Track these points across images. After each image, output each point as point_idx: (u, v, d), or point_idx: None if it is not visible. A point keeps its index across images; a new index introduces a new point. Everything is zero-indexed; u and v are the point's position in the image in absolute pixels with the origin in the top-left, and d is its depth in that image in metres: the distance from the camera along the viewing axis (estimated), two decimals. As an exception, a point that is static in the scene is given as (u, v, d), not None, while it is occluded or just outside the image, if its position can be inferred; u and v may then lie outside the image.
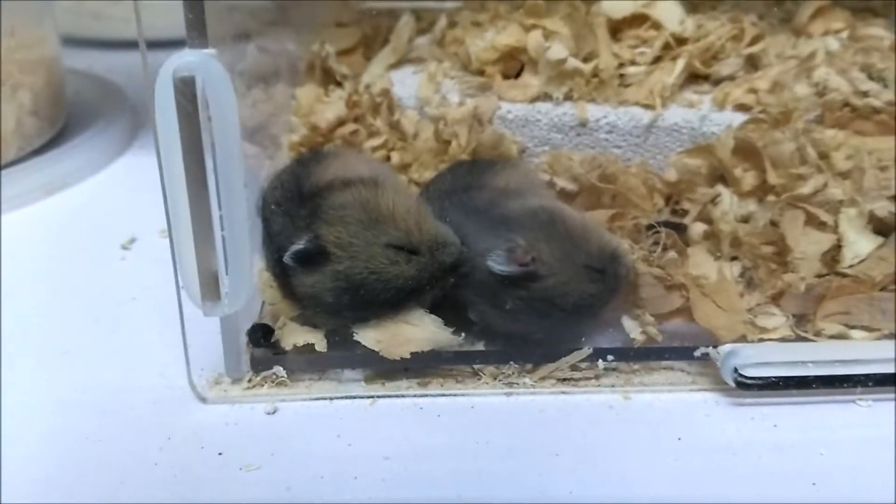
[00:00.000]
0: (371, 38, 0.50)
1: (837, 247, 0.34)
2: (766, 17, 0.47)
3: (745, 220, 0.37)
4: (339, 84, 0.46)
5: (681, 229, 0.37)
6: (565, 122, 0.41)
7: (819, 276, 0.33)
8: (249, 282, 0.28)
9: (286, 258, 0.30)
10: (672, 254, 0.34)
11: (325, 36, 0.49)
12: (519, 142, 0.41)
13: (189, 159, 0.25)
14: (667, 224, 0.37)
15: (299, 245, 0.30)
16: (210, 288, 0.27)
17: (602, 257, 0.31)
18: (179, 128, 0.25)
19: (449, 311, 0.32)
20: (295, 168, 0.34)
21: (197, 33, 0.25)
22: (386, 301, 0.30)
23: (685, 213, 0.38)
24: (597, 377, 0.32)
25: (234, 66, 0.45)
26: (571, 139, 0.41)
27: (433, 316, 0.31)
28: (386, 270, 0.29)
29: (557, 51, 0.40)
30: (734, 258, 0.35)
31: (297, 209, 0.32)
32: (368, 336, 0.30)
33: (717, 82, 0.41)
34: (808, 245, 0.34)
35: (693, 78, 0.42)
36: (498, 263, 0.30)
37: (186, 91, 0.24)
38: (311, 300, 0.30)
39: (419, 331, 0.30)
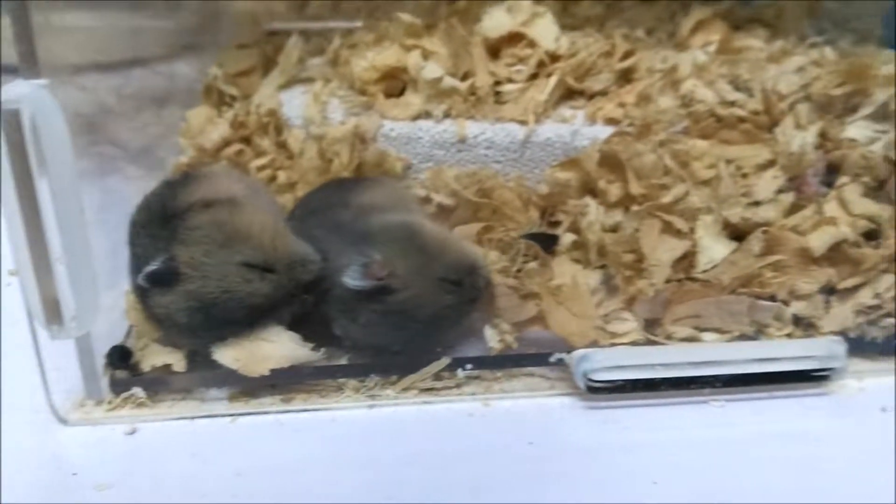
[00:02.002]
0: (271, 59, 0.51)
1: (695, 253, 0.36)
2: (655, 31, 0.49)
3: (615, 229, 0.38)
4: (232, 106, 0.46)
5: (554, 240, 0.38)
6: (446, 139, 0.42)
7: (674, 281, 0.35)
8: (95, 305, 0.28)
9: (139, 279, 0.30)
10: (533, 264, 0.35)
11: (225, 57, 0.50)
12: (403, 158, 0.42)
13: (21, 189, 0.25)
14: (540, 235, 0.38)
15: (152, 266, 0.30)
16: (53, 313, 0.27)
17: (459, 269, 0.32)
18: (11, 158, 0.25)
19: (314, 326, 0.33)
20: (162, 190, 0.35)
21: (28, 64, 0.26)
22: (241, 319, 0.31)
23: (559, 224, 0.40)
24: (458, 386, 0.33)
25: (122, 89, 0.45)
26: (453, 155, 0.42)
27: (291, 332, 0.31)
28: (239, 289, 0.30)
29: (433, 70, 0.41)
30: (602, 266, 0.37)
31: (159, 231, 0.32)
32: (227, 355, 0.31)
33: (592, 97, 0.43)
34: (663, 252, 0.35)
35: (570, 93, 0.43)
36: (353, 278, 0.31)
37: (14, 122, 0.25)
38: (167, 321, 0.31)
39: (277, 347, 0.31)
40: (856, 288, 0.34)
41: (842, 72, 0.39)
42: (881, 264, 0.34)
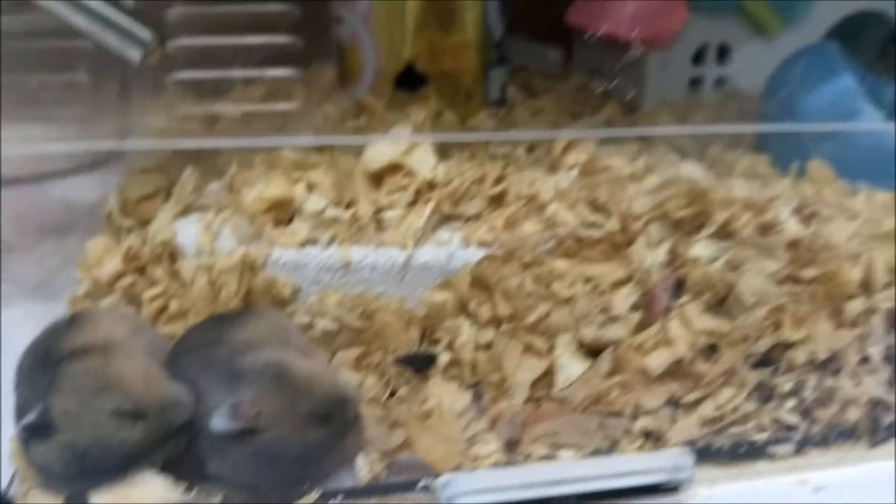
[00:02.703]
0: (175, 182, 0.53)
1: (554, 371, 0.38)
2: (536, 147, 0.54)
3: (489, 347, 0.41)
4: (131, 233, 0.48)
5: (432, 360, 0.41)
6: (332, 264, 0.44)
7: (534, 400, 0.37)
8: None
9: (16, 431, 0.31)
10: (404, 389, 0.37)
11: (128, 182, 0.52)
12: (291, 284, 0.44)
13: None
14: (419, 356, 0.41)
15: (28, 418, 0.31)
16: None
17: (327, 404, 0.34)
18: None
19: (189, 466, 0.34)
20: (45, 335, 0.36)
21: None
22: (114, 467, 0.32)
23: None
24: (330, 517, 0.34)
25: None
26: (339, 279, 0.45)
27: (161, 476, 0.33)
28: (111, 438, 0.32)
29: (315, 202, 0.44)
30: (476, 385, 0.39)
31: (41, 378, 0.34)
32: (103, 500, 0.32)
33: (468, 221, 0.46)
34: (523, 372, 0.38)
35: (449, 218, 0.46)
36: (220, 421, 0.32)
37: None
38: (45, 469, 0.32)
39: (148, 491, 0.32)
40: (698, 401, 0.37)
41: (685, 193, 0.43)
42: (719, 378, 0.37)
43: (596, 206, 0.45)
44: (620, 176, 0.49)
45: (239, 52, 0.68)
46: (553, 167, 0.51)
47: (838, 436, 0.38)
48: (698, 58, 0.78)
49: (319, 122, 0.61)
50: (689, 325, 0.38)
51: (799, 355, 0.37)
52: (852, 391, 0.38)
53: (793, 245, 0.39)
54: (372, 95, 0.65)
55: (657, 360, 0.36)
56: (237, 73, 0.69)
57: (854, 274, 0.37)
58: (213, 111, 0.66)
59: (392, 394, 0.38)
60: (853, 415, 0.38)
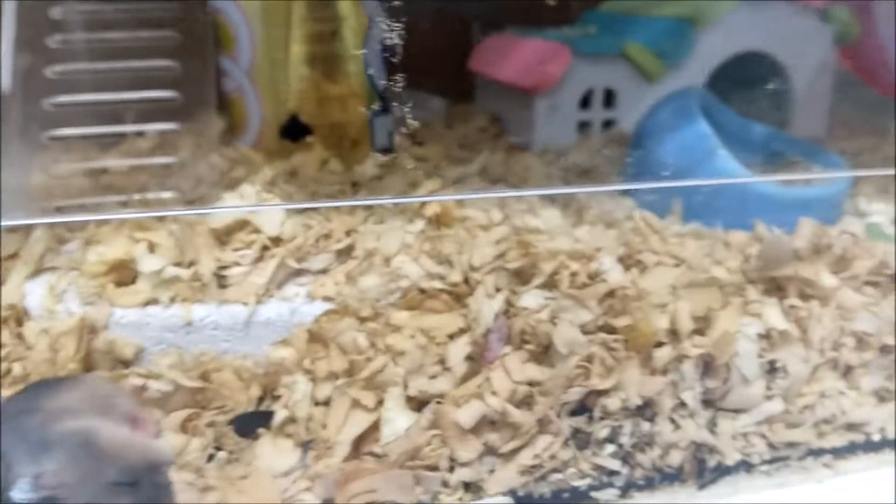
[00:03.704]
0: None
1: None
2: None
3: (327, 403, 0.41)
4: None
5: (268, 417, 0.41)
6: (174, 323, 0.44)
7: (360, 456, 0.38)
8: None
9: None
10: (222, 453, 0.37)
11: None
12: (134, 344, 0.44)
13: None
14: (255, 414, 0.41)
15: None
16: None
17: (136, 471, 0.34)
18: None
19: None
20: None
21: None
22: None
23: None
24: (139, 585, 0.34)
25: None
26: (182, 337, 0.45)
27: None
28: None
29: (152, 262, 0.44)
30: (309, 442, 0.39)
31: None
32: None
33: (316, 275, 0.47)
34: (349, 427, 0.38)
35: (300, 273, 0.47)
36: (20, 493, 0.32)
37: None
38: None
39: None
40: (516, 451, 0.37)
41: (516, 243, 0.45)
42: (535, 427, 0.38)
43: (440, 258, 0.46)
44: (474, 226, 0.50)
45: (124, 107, 0.69)
46: (416, 215, 0.51)
47: (663, 479, 0.39)
48: (586, 102, 0.81)
49: (205, 174, 0.62)
50: (509, 375, 0.39)
51: (612, 402, 0.38)
52: (672, 435, 0.39)
53: (609, 294, 0.40)
54: (257, 146, 0.66)
55: (467, 414, 0.36)
56: (120, 128, 0.69)
57: (661, 322, 0.38)
58: (97, 165, 0.66)
59: (210, 457, 0.38)
60: (676, 458, 0.39)
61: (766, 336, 0.40)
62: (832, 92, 0.87)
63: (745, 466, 0.40)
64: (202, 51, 0.71)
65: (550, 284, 0.43)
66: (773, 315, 0.40)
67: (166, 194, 0.58)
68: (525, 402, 0.38)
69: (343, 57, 0.71)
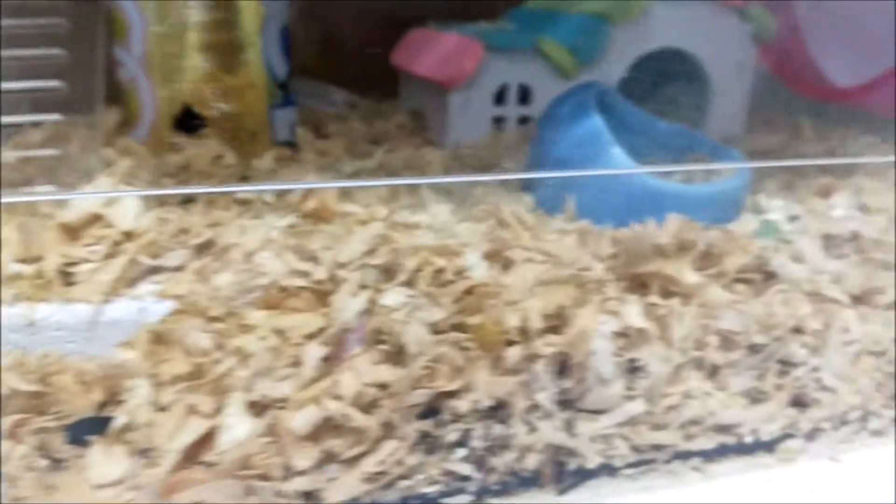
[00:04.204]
0: None
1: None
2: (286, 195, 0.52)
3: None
4: None
5: (106, 423, 0.38)
6: (17, 323, 0.42)
7: (194, 465, 0.35)
8: None
9: None
10: (46, 462, 0.35)
11: None
12: (-27, 345, 0.42)
13: None
14: (92, 420, 0.39)
15: None
16: None
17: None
18: None
19: None
20: None
21: None
22: None
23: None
24: None
25: None
26: (27, 338, 0.42)
27: None
28: None
29: (-10, 259, 0.41)
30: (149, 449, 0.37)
31: None
32: None
33: (173, 272, 0.44)
34: (184, 434, 0.36)
35: (157, 270, 0.45)
36: None
37: None
38: None
39: None
40: (358, 457, 0.36)
41: (382, 239, 0.43)
42: (379, 432, 0.36)
43: (307, 255, 0.44)
44: (353, 222, 0.48)
45: (14, 98, 0.66)
46: (296, 210, 0.49)
47: (520, 483, 0.38)
48: (501, 98, 0.79)
49: (94, 167, 0.59)
50: (358, 376, 0.37)
51: (462, 404, 0.36)
52: (527, 438, 0.37)
53: (468, 292, 0.38)
54: (151, 139, 0.63)
55: (303, 418, 0.35)
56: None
57: (514, 320, 0.37)
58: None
59: (38, 465, 0.35)
60: (532, 462, 0.38)
61: (624, 334, 0.38)
62: (751, 90, 0.87)
63: (608, 470, 0.39)
64: (92, 40, 0.68)
65: (414, 282, 0.41)
66: (632, 313, 0.38)
67: (48, 188, 0.55)
68: (372, 406, 0.36)
69: (241, 46, 0.69)
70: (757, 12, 0.84)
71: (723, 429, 0.41)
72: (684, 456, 0.41)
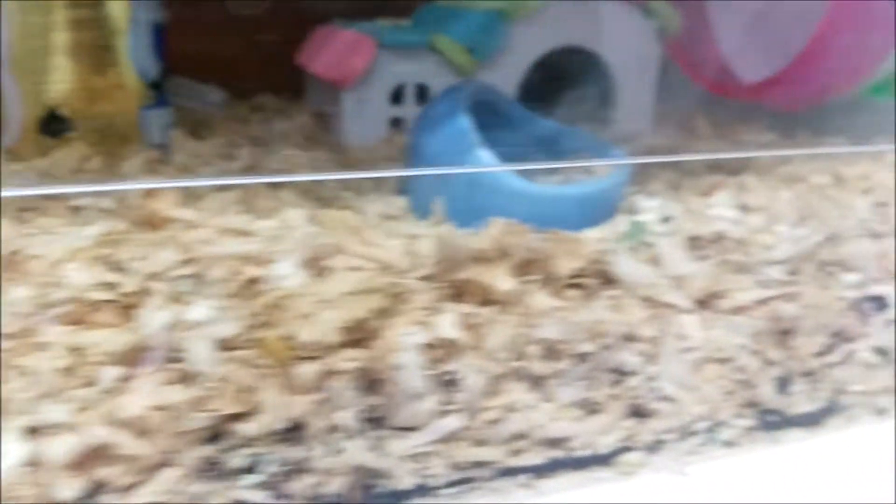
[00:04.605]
0: None
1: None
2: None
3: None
4: None
5: None
6: None
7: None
8: None
9: None
10: None
11: None
12: None
13: None
14: None
15: None
16: None
17: None
18: None
19: None
20: None
21: None
22: None
23: None
24: None
25: None
26: None
27: None
28: None
29: None
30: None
31: None
32: None
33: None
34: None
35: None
36: None
37: None
38: None
39: None
40: (133, 486, 0.33)
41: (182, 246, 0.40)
42: (157, 458, 0.33)
43: (115, 265, 0.41)
44: (180, 228, 0.45)
45: None
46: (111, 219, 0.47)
47: (325, 509, 0.35)
48: (399, 97, 0.77)
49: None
50: (141, 398, 0.34)
51: (250, 427, 0.33)
52: (330, 460, 0.35)
53: (273, 304, 0.36)
54: (20, 144, 0.60)
55: (64, 446, 0.32)
56: None
57: (304, 334, 0.34)
58: None
59: None
60: (336, 485, 0.35)
61: (438, 346, 0.36)
62: (656, 87, 0.86)
63: (423, 490, 0.36)
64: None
65: (223, 293, 0.38)
66: (445, 323, 0.36)
67: None
68: (154, 430, 0.34)
69: (108, 45, 0.66)
70: (660, 8, 0.82)
71: (553, 442, 0.39)
72: (511, 472, 0.38)
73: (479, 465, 0.38)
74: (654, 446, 0.41)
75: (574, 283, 0.40)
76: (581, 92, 0.86)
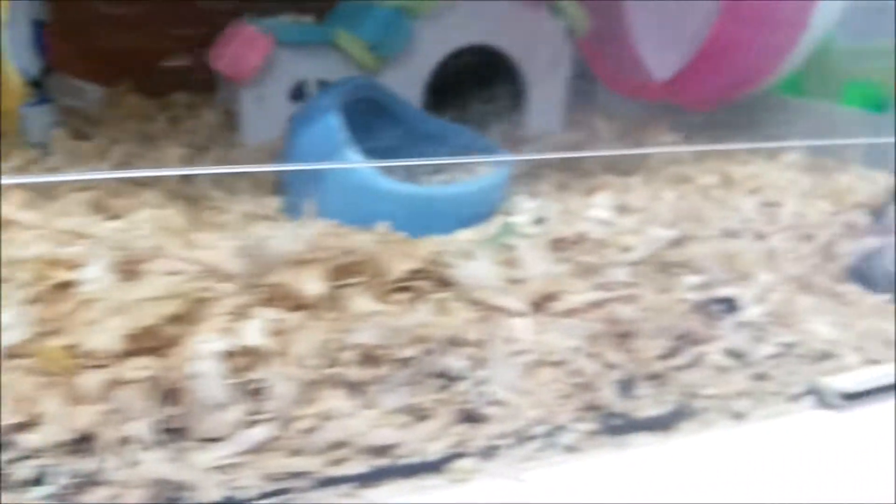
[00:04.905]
0: None
1: None
2: None
3: None
4: None
5: None
6: None
7: None
8: None
9: None
10: None
11: None
12: None
13: None
14: None
15: None
16: None
17: None
18: None
19: None
20: None
21: None
22: None
23: None
24: None
25: None
26: None
27: None
28: None
29: None
30: None
31: None
32: None
33: None
34: None
35: None
36: None
37: None
38: None
39: None
40: None
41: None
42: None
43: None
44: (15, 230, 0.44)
45: None
46: None
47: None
48: (301, 95, 0.76)
49: None
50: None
51: (34, 438, 0.32)
52: (126, 472, 0.34)
53: (71, 311, 0.35)
54: None
55: None
56: None
57: (89, 342, 0.33)
58: None
59: None
60: (134, 498, 0.34)
61: (239, 354, 0.35)
62: (567, 86, 0.85)
63: (233, 503, 0.35)
64: None
65: (29, 298, 0.37)
66: (249, 330, 0.35)
67: None
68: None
69: (-17, 42, 0.64)
70: (569, 8, 0.81)
71: (377, 450, 0.38)
72: (332, 482, 0.37)
73: (296, 475, 0.37)
74: (488, 452, 0.40)
75: (404, 286, 0.39)
76: (492, 92, 0.85)
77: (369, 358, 0.37)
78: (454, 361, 0.38)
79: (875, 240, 0.56)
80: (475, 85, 0.84)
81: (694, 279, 0.44)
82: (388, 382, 0.37)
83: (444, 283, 0.40)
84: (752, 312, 0.44)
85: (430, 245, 0.40)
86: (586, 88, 0.88)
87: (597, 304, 0.41)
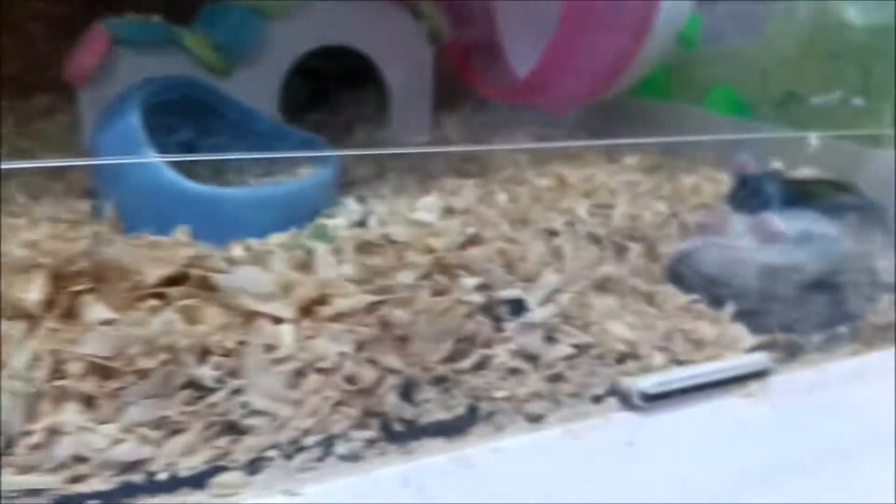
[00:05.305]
0: None
1: None
2: None
3: None
4: None
5: None
6: None
7: None
8: None
9: None
10: None
11: None
12: None
13: None
14: None
15: None
16: None
17: None
18: None
19: None
20: None
21: None
22: None
23: None
24: None
25: None
26: None
27: None
28: None
29: None
30: None
31: None
32: None
33: None
34: None
35: None
36: None
37: None
38: None
39: None
40: None
41: None
42: None
43: None
44: None
45: None
46: None
47: None
48: (147, 96, 0.73)
49: None
50: None
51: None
52: None
53: None
54: None
55: None
56: None
57: None
58: None
59: None
60: None
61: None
62: (432, 88, 0.84)
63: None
64: None
65: None
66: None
67: None
68: None
69: None
70: (427, 11, 0.81)
71: (123, 466, 0.36)
72: (73, 500, 0.35)
73: (30, 492, 0.34)
74: (255, 465, 0.39)
75: (158, 292, 0.37)
76: (358, 94, 0.84)
77: (101, 369, 0.35)
78: (206, 371, 0.36)
79: (696, 240, 0.57)
80: (342, 87, 0.83)
81: (472, 281, 0.43)
82: (128, 395, 0.35)
83: (209, 288, 0.38)
84: (540, 314, 0.44)
85: (193, 250, 0.39)
86: (450, 91, 0.87)
87: (368, 309, 0.40)
